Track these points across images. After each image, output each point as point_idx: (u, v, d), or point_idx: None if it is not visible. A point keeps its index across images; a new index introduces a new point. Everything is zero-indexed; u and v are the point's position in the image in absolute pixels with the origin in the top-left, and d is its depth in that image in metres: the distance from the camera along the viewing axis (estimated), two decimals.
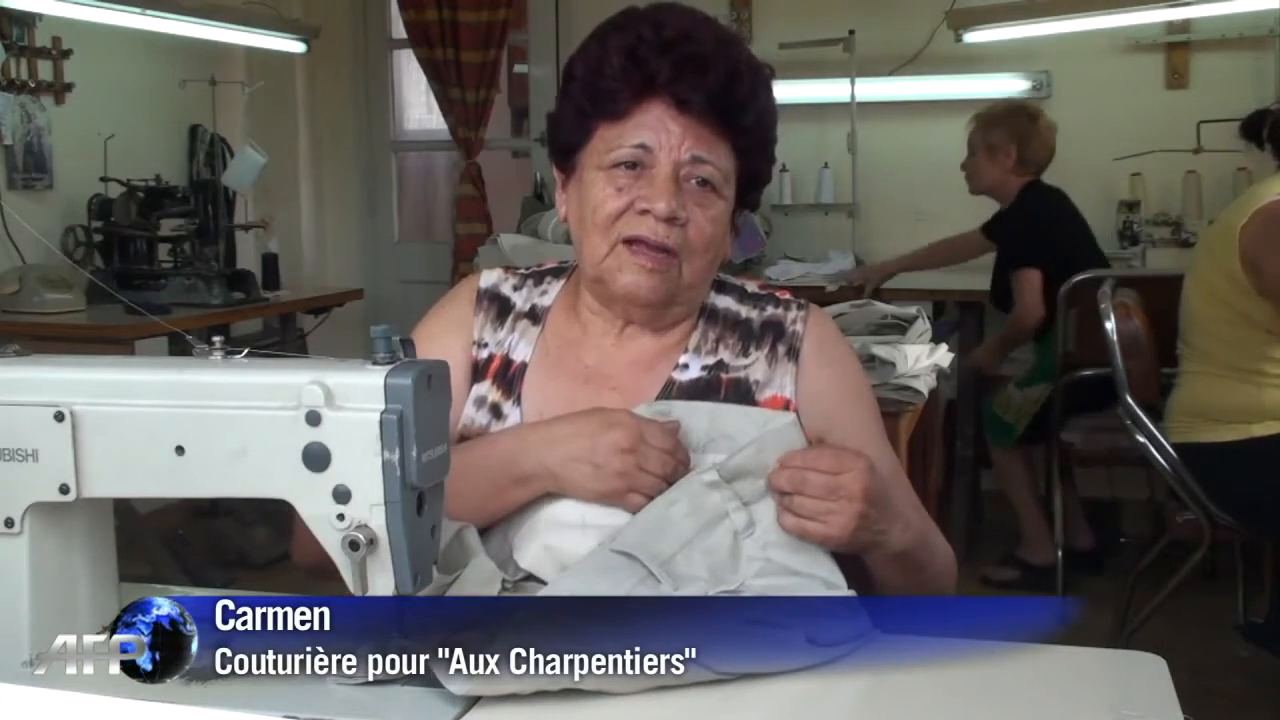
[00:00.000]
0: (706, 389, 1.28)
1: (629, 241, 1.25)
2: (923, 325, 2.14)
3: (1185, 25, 4.19)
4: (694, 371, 1.30)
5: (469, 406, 1.31)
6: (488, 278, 1.41)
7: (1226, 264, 2.54)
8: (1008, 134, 3.62)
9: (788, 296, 1.35)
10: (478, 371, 1.34)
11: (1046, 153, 3.67)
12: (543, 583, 1.16)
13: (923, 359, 2.01)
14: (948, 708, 0.96)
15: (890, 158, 4.48)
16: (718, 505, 1.15)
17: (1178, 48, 4.24)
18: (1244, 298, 2.52)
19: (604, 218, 1.25)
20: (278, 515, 1.19)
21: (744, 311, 1.33)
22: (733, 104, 1.24)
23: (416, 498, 0.97)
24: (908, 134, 4.48)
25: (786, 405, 1.27)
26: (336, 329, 4.31)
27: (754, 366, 1.29)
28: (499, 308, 1.38)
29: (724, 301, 1.35)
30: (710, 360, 1.30)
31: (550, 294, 1.37)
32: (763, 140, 1.30)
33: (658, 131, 1.24)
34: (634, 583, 1.08)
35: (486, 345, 1.35)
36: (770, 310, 1.33)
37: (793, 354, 1.29)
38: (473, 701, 0.95)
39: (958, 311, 3.90)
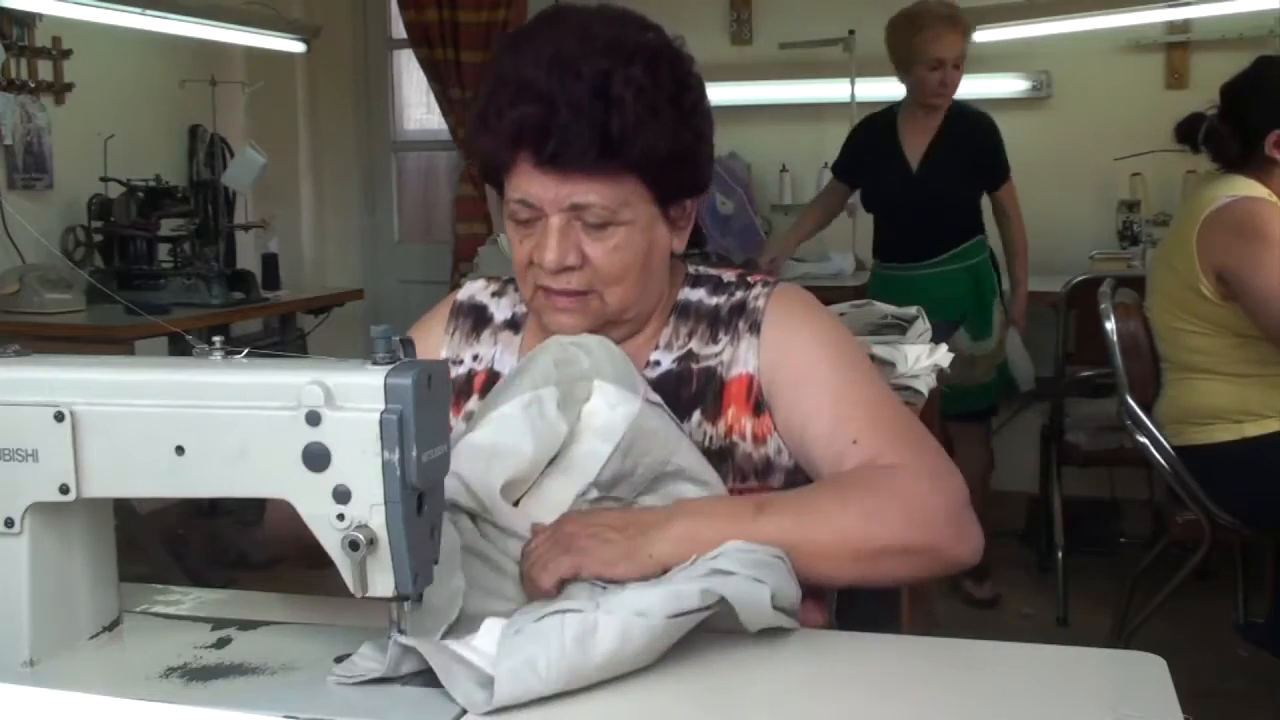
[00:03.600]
0: (678, 381, 1.28)
1: (543, 289, 1.26)
2: (922, 325, 2.14)
3: (1185, 25, 4.19)
4: (665, 366, 1.30)
5: (459, 423, 1.32)
6: (466, 290, 1.43)
7: (1185, 275, 2.54)
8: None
9: (758, 279, 1.34)
10: (463, 387, 1.35)
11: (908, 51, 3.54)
12: (466, 511, 1.18)
13: (923, 359, 2.00)
14: (947, 707, 0.96)
15: None
16: (610, 507, 1.18)
17: (1178, 48, 4.24)
18: (1210, 306, 2.51)
19: (519, 267, 1.28)
20: None
21: (714, 301, 1.33)
22: (588, 143, 1.18)
23: (416, 498, 0.97)
24: None
25: (751, 381, 1.27)
26: (336, 329, 4.31)
27: (722, 352, 1.29)
28: (474, 320, 1.39)
29: (697, 294, 1.35)
30: (680, 353, 1.31)
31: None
32: (656, 141, 1.21)
33: (534, 185, 1.22)
34: (589, 594, 1.10)
35: (462, 361, 1.37)
36: (738, 294, 1.32)
37: (754, 328, 1.29)
38: None
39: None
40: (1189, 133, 2.68)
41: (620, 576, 1.09)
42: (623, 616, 0.96)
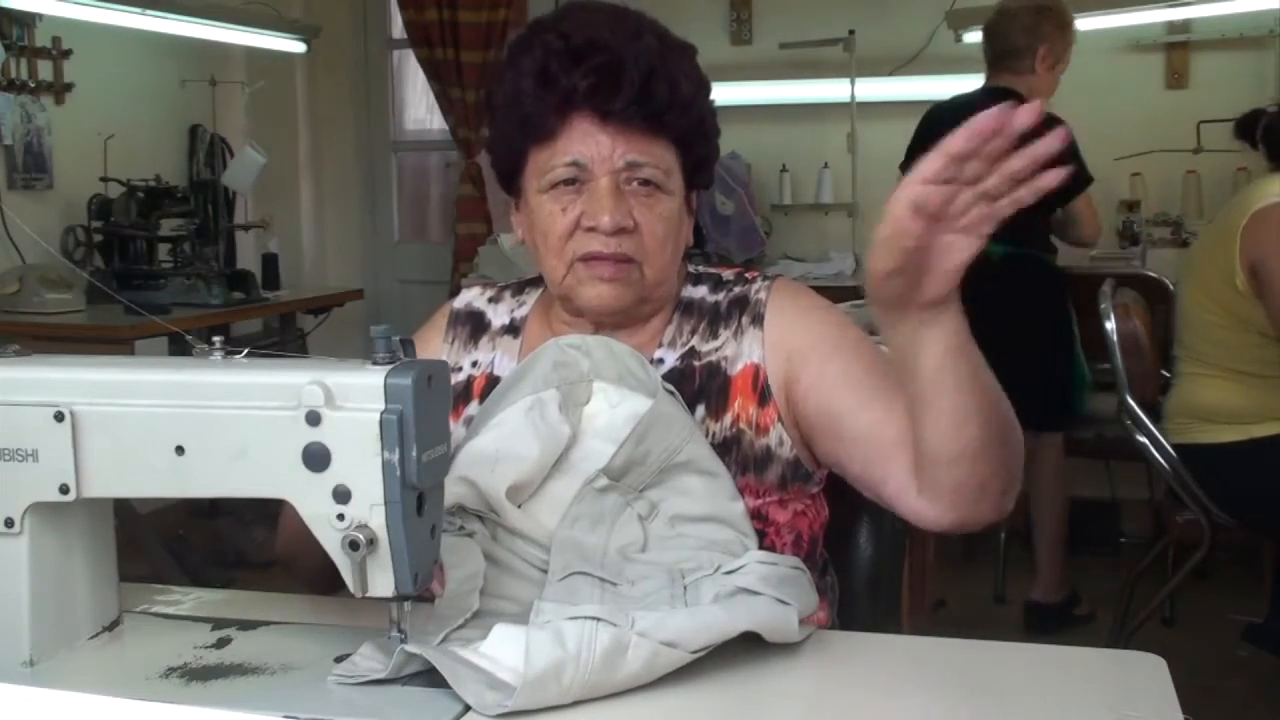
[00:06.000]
0: (681, 379, 1.28)
1: (585, 259, 1.25)
2: None
3: (1185, 25, 4.19)
4: (669, 364, 1.30)
5: (459, 428, 1.31)
6: (463, 298, 1.43)
7: (1223, 266, 2.54)
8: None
9: (757, 274, 1.35)
10: (463, 393, 1.35)
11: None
12: (475, 514, 1.18)
13: None
14: (947, 707, 0.96)
15: (890, 158, 4.43)
16: (615, 502, 1.18)
17: (1178, 48, 4.25)
18: (1241, 300, 2.52)
19: (556, 239, 1.26)
20: (278, 515, 1.20)
21: (714, 298, 1.34)
22: (655, 102, 1.23)
23: (416, 498, 0.97)
24: (907, 134, 4.47)
25: (757, 371, 1.27)
26: (336, 329, 4.31)
27: (724, 346, 1.29)
28: (473, 327, 1.39)
29: (699, 292, 1.35)
30: (684, 350, 1.31)
31: (528, 304, 1.39)
32: (696, 123, 1.28)
33: (587, 145, 1.23)
34: (599, 595, 1.10)
35: (461, 368, 1.37)
36: (737, 290, 1.33)
37: (757, 320, 1.29)
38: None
39: None
40: (1247, 129, 2.68)
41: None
42: (653, 645, 0.96)
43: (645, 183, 1.25)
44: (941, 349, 1.03)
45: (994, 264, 3.24)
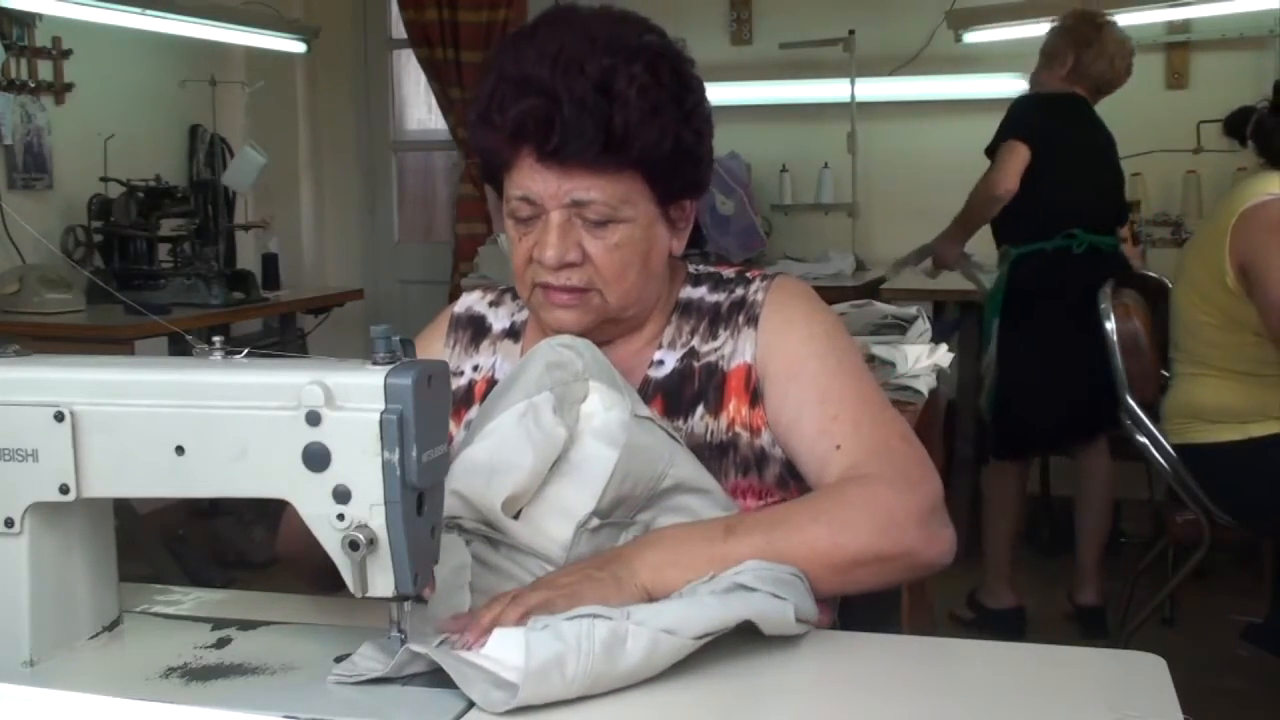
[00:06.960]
0: (681, 380, 1.28)
1: (541, 285, 1.26)
2: (923, 325, 2.14)
3: (1185, 25, 4.20)
4: (669, 365, 1.30)
5: (460, 431, 1.31)
6: (463, 302, 1.43)
7: (1215, 266, 2.54)
8: (1068, 40, 3.35)
9: (758, 274, 1.34)
10: (464, 398, 1.35)
11: (1104, 65, 3.35)
12: (473, 527, 1.18)
13: (923, 359, 2.00)
14: (946, 707, 0.96)
15: (890, 158, 4.49)
16: (610, 536, 1.17)
17: (1178, 48, 4.25)
18: (1233, 300, 2.51)
19: (518, 264, 1.28)
20: (278, 515, 1.20)
21: (714, 298, 1.33)
22: (591, 137, 1.18)
23: (416, 498, 0.97)
24: (908, 134, 4.48)
25: (749, 371, 1.27)
26: (336, 329, 4.31)
27: (723, 347, 1.29)
28: (474, 331, 1.40)
29: (698, 293, 1.34)
30: (684, 351, 1.31)
31: (528, 308, 1.38)
32: (659, 147, 1.22)
33: (535, 181, 1.22)
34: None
35: (462, 372, 1.37)
36: (738, 291, 1.32)
37: (752, 321, 1.29)
38: (473, 701, 0.95)
39: (958, 311, 3.90)
40: (1237, 126, 2.68)
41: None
42: (651, 632, 0.96)
43: (595, 217, 1.23)
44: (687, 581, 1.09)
45: (1106, 256, 3.30)
